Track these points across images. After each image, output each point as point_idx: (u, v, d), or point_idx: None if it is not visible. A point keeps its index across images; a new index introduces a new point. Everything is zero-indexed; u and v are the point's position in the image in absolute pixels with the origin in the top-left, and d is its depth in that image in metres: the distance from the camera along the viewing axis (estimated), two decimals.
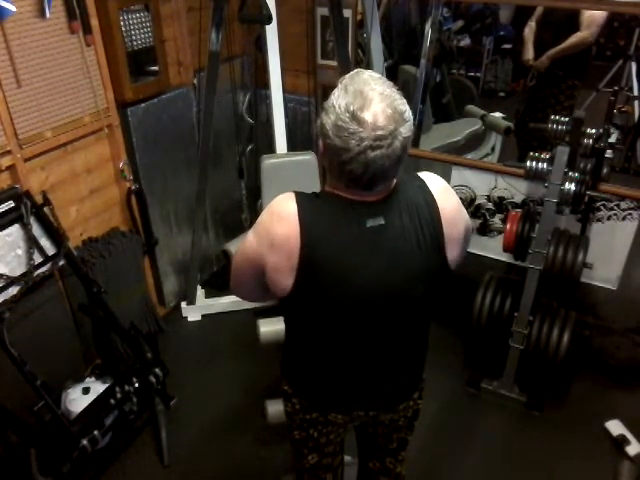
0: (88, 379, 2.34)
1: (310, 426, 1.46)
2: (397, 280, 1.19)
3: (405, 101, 1.09)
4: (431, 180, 1.23)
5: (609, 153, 2.51)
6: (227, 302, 3.15)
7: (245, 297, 1.43)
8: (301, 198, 1.16)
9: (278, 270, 1.16)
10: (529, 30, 3.31)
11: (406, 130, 1.07)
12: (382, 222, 1.14)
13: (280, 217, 1.15)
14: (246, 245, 1.23)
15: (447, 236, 1.19)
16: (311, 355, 1.35)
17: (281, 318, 1.41)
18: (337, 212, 1.14)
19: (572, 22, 3.05)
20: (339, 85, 1.09)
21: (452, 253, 1.22)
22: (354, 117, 1.03)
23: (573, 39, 3.08)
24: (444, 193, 1.22)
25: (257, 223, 1.21)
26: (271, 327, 2.13)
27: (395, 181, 1.18)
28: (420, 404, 1.50)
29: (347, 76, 1.11)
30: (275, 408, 2.16)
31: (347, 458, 1.74)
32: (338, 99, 1.06)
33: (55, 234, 2.09)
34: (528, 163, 2.35)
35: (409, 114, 1.08)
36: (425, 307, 1.30)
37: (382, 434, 1.53)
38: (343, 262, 1.14)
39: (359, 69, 1.13)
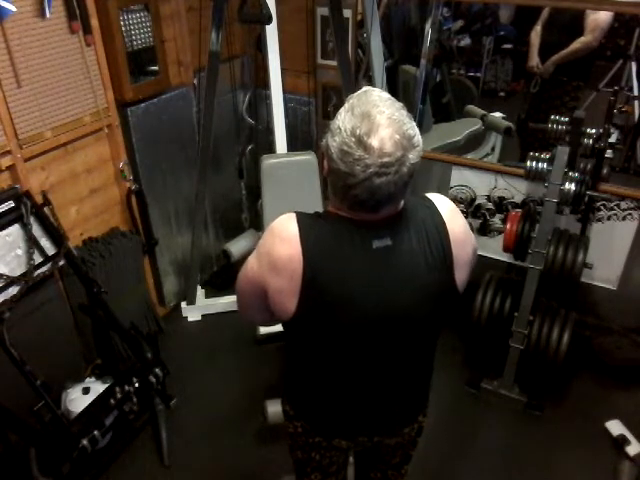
0: (88, 379, 2.34)
1: (312, 449, 1.44)
2: (404, 303, 1.16)
3: (415, 125, 1.05)
4: (440, 201, 1.20)
5: (609, 153, 2.50)
6: (227, 302, 3.14)
7: (252, 320, 1.38)
8: (303, 218, 1.13)
9: (281, 293, 1.13)
10: (535, 35, 3.31)
11: (414, 156, 1.03)
12: (389, 243, 1.11)
13: (282, 239, 1.11)
14: (248, 267, 1.21)
15: (456, 258, 1.16)
16: (314, 379, 1.32)
17: None
18: (341, 233, 1.11)
19: (577, 25, 3.05)
20: (346, 105, 1.05)
21: (460, 275, 1.19)
22: (360, 142, 0.99)
23: (577, 44, 3.08)
24: (453, 215, 1.19)
25: (259, 245, 1.18)
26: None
27: (403, 202, 1.15)
28: (424, 422, 1.47)
29: (355, 95, 1.07)
30: (275, 408, 2.16)
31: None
32: (344, 121, 1.02)
33: (55, 234, 2.09)
34: (528, 163, 2.35)
35: (418, 139, 1.04)
36: (432, 331, 1.27)
37: (385, 452, 1.51)
38: (348, 284, 1.11)
39: (368, 87, 1.09)
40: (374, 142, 0.99)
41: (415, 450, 1.54)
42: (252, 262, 1.19)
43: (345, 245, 1.11)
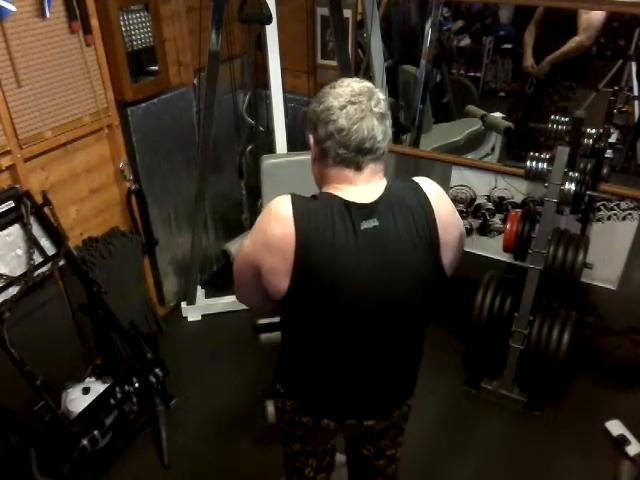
0: (88, 379, 2.34)
1: (298, 426, 1.46)
2: (392, 283, 1.19)
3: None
4: (426, 184, 1.24)
5: (609, 153, 2.51)
6: (227, 302, 3.15)
7: (247, 302, 1.42)
8: (297, 200, 1.17)
9: (274, 271, 1.16)
10: (529, 34, 3.32)
11: (382, 96, 1.15)
12: (376, 224, 1.15)
13: (276, 218, 1.16)
14: (244, 247, 1.25)
15: (442, 239, 1.20)
16: (306, 359, 1.35)
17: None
18: (332, 214, 1.15)
19: (571, 25, 3.05)
20: None
21: (447, 257, 1.23)
22: (332, 88, 1.16)
23: (571, 44, 3.09)
24: (439, 197, 1.23)
25: (254, 225, 1.23)
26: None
27: (386, 183, 1.20)
28: (412, 402, 1.49)
29: None
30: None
31: (340, 457, 1.73)
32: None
33: (55, 234, 2.09)
34: (528, 163, 2.35)
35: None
36: (421, 313, 1.30)
37: (376, 429, 1.52)
38: (337, 264, 1.15)
39: None
40: (342, 86, 1.16)
41: (406, 424, 1.55)
42: (247, 242, 1.24)
43: (336, 226, 1.14)
